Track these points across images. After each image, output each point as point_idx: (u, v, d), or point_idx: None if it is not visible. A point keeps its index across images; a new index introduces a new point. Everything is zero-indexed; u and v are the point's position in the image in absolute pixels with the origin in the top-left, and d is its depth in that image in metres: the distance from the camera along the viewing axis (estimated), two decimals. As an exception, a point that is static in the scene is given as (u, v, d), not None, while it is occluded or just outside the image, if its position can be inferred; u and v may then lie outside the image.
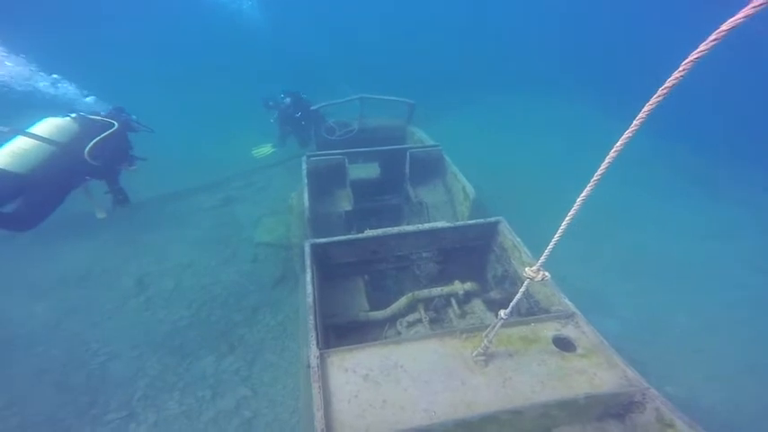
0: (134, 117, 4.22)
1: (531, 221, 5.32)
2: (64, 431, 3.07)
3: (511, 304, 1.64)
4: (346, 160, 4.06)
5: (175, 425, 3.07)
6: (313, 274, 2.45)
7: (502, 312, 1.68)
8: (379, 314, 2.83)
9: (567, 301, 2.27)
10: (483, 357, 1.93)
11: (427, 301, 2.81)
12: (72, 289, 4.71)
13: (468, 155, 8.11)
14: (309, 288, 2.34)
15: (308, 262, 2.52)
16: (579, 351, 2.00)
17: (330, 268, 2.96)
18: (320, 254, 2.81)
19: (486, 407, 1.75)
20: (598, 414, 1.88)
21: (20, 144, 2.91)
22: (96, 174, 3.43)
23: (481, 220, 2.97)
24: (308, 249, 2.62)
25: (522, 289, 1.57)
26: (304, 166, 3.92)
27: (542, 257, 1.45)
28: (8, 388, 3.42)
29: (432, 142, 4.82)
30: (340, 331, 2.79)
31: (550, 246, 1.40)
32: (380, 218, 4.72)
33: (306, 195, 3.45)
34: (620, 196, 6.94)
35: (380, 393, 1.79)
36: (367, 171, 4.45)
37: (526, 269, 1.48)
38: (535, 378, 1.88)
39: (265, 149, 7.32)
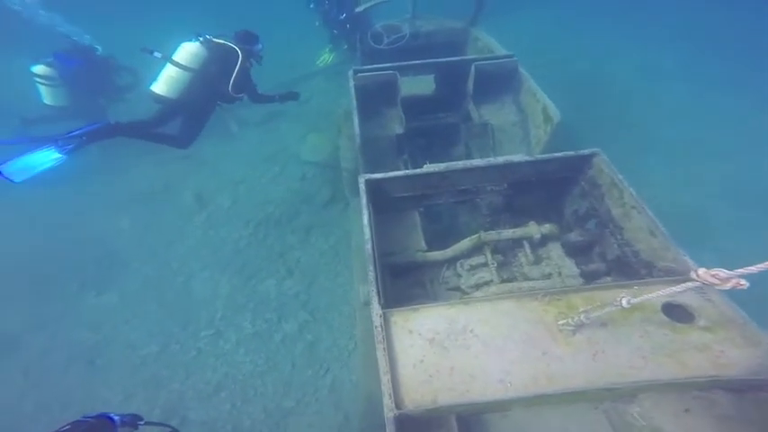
0: (260, 47, 3.80)
1: (627, 158, 4.49)
2: (177, 344, 3.53)
3: (643, 298, 1.25)
4: (398, 76, 3.38)
5: (252, 344, 3.39)
6: (370, 215, 2.18)
7: (624, 301, 1.31)
8: (438, 255, 2.59)
9: (688, 259, 1.81)
10: (571, 327, 1.64)
11: (495, 244, 2.49)
12: (142, 205, 5.04)
13: (541, 59, 6.74)
14: (367, 232, 2.10)
15: (363, 201, 2.24)
16: (701, 323, 1.63)
17: (384, 202, 2.67)
18: (374, 188, 2.49)
19: (572, 381, 1.53)
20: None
21: (169, 72, 3.31)
22: (227, 100, 3.64)
23: (571, 153, 2.38)
24: (362, 186, 2.31)
25: (676, 289, 1.16)
26: (351, 83, 3.34)
27: (751, 269, 0.97)
28: (130, 302, 3.93)
29: (503, 51, 3.83)
30: (396, 269, 2.63)
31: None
32: (433, 138, 4.15)
33: (356, 119, 2.98)
34: (735, 111, 5.54)
35: (448, 359, 1.63)
36: (420, 85, 3.73)
37: (700, 271, 1.05)
38: (636, 352, 1.59)
39: (326, 56, 6.55)
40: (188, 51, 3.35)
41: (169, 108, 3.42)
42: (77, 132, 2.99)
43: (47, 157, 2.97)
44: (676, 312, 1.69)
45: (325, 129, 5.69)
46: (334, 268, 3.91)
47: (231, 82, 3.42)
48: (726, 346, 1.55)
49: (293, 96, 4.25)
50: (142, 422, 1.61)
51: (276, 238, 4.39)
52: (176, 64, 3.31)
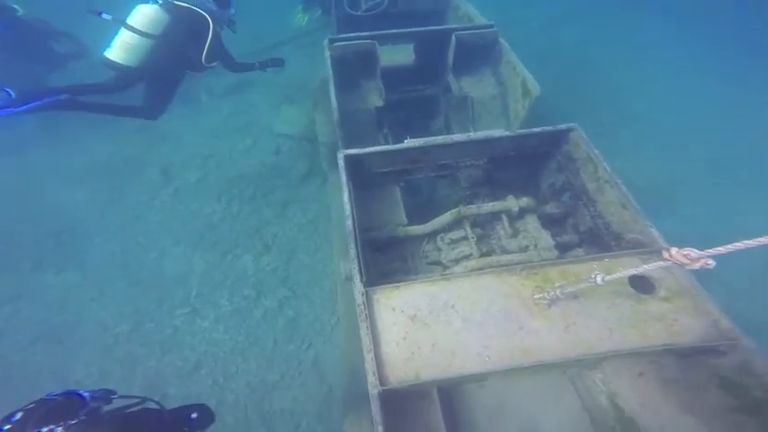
0: (232, 11, 3.41)
1: (605, 131, 4.53)
2: (152, 323, 3.42)
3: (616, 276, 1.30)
4: (377, 45, 3.19)
5: (232, 321, 3.35)
6: (350, 192, 2.12)
7: (599, 278, 1.36)
8: (418, 229, 2.59)
9: (655, 231, 1.90)
10: (546, 301, 1.71)
11: (474, 217, 2.51)
12: (100, 178, 4.70)
13: (522, 29, 6.53)
14: (348, 209, 2.05)
15: (343, 177, 2.17)
16: (661, 293, 1.74)
17: (364, 177, 2.62)
18: (354, 163, 2.42)
19: (545, 354, 1.62)
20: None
21: (125, 38, 2.99)
22: (197, 69, 3.31)
23: (549, 128, 2.38)
24: (342, 162, 2.23)
25: (648, 267, 1.20)
26: (327, 53, 3.13)
27: (719, 249, 1.02)
28: (94, 280, 3.72)
29: (483, 20, 3.68)
30: (376, 244, 2.62)
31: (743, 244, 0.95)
32: (412, 111, 4.04)
33: (332, 92, 2.83)
34: (714, 85, 5.70)
35: (430, 336, 1.67)
36: (399, 55, 3.56)
37: (672, 251, 1.08)
38: (603, 324, 1.68)
39: (300, 16, 6.05)
40: (145, 15, 3.01)
41: (127, 76, 3.11)
42: (22, 108, 2.69)
43: None
44: (641, 283, 1.79)
45: (300, 100, 5.42)
46: (314, 243, 3.86)
47: (204, 52, 3.13)
48: (680, 315, 1.67)
49: (277, 63, 3.92)
50: (115, 395, 1.53)
51: (251, 213, 4.25)
52: (131, 29, 2.98)
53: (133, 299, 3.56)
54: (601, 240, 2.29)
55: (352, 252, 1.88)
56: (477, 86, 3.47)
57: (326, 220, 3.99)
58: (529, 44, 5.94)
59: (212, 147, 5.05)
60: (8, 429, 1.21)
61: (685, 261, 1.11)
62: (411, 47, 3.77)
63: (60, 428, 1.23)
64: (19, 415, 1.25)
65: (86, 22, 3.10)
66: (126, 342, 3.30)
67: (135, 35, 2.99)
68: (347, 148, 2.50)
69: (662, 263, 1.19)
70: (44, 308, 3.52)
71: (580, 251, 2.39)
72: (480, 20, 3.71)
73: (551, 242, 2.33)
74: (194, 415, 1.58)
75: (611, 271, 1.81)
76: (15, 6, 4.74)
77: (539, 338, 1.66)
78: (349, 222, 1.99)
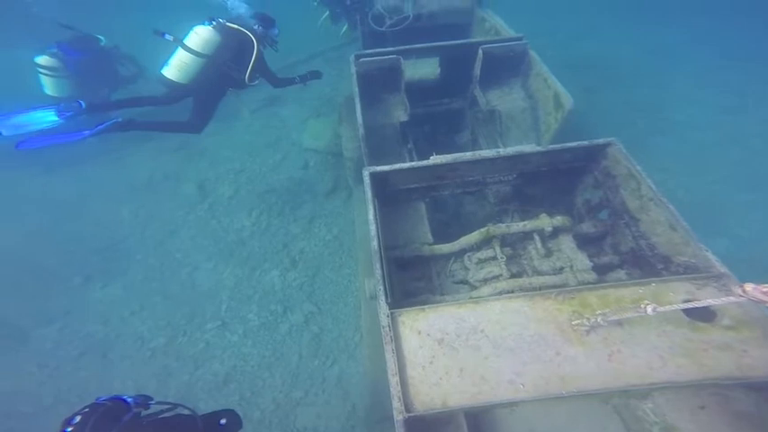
0: (276, 31, 3.70)
1: (639, 142, 4.31)
2: (185, 336, 3.54)
3: (671, 308, 1.19)
4: (401, 61, 3.22)
5: (259, 335, 3.39)
6: (376, 210, 2.11)
7: (650, 308, 1.25)
8: (445, 248, 2.52)
9: (711, 255, 1.73)
10: (586, 327, 1.59)
11: (504, 237, 2.41)
12: (142, 194, 4.99)
13: (549, 39, 6.42)
14: (373, 229, 2.03)
15: (368, 195, 2.16)
16: (724, 322, 1.57)
17: (389, 193, 2.60)
18: (379, 180, 2.41)
19: (587, 383, 1.49)
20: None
21: (181, 57, 3.27)
22: (240, 86, 3.60)
23: (585, 143, 2.26)
24: (367, 179, 2.23)
25: (715, 302, 1.09)
26: (353, 69, 3.19)
27: None
28: (135, 294, 3.93)
29: (511, 32, 3.62)
30: (401, 262, 2.58)
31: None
32: (437, 125, 4.00)
33: (358, 107, 2.86)
34: (750, 91, 5.30)
35: (458, 361, 1.59)
36: (423, 69, 3.57)
37: (747, 287, 0.97)
38: (653, 352, 1.53)
39: (325, 23, 6.19)
40: (201, 36, 3.26)
41: (178, 92, 3.39)
42: (88, 134, 3.00)
43: (43, 118, 2.99)
44: (697, 311, 1.62)
45: (326, 114, 5.56)
46: (339, 259, 3.87)
47: (249, 71, 3.34)
48: (749, 346, 1.49)
49: (316, 75, 4.11)
50: (153, 401, 1.66)
51: (279, 228, 4.35)
52: (188, 49, 3.23)
53: (168, 313, 3.70)
54: (645, 262, 2.12)
55: (378, 273, 1.85)
56: (505, 99, 3.39)
57: (351, 236, 4.01)
58: (555, 55, 5.82)
59: (244, 162, 5.26)
60: (71, 431, 1.35)
61: (766, 299, 0.97)
62: (436, 60, 3.77)
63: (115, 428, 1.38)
64: (78, 418, 1.39)
65: (144, 40, 3.36)
66: (162, 355, 3.42)
67: (190, 55, 3.23)
68: (372, 163, 2.50)
69: (733, 298, 1.07)
70: (91, 322, 3.73)
71: (621, 273, 2.23)
72: (507, 32, 3.65)
73: (588, 263, 2.19)
74: (223, 421, 1.66)
75: (659, 297, 1.69)
76: (100, 37, 5.40)
77: (577, 366, 1.54)
78: (374, 243, 1.96)
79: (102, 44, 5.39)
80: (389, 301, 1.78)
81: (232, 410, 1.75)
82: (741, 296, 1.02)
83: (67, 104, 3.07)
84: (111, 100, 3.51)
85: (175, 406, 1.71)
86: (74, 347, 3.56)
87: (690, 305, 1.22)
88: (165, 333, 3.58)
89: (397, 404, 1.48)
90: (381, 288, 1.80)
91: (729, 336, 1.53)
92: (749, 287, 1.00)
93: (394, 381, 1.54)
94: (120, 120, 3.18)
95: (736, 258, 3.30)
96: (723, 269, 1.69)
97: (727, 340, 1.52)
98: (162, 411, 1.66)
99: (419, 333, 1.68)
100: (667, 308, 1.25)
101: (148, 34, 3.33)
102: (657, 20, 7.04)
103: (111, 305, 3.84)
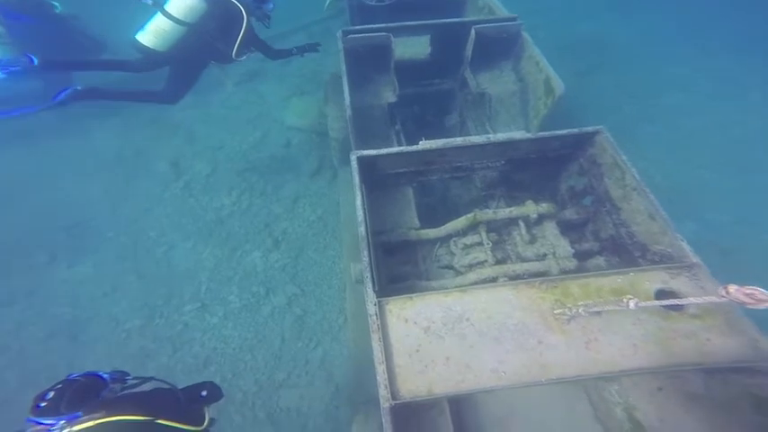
0: (271, 6, 3.38)
1: (626, 128, 4.31)
2: (162, 318, 3.44)
3: (651, 304, 1.21)
4: (392, 39, 3.07)
5: (240, 317, 3.34)
6: (363, 196, 2.06)
7: (632, 303, 1.27)
8: (431, 232, 2.52)
9: (685, 245, 1.79)
10: (566, 316, 1.64)
11: (490, 223, 2.42)
12: (112, 171, 4.71)
13: (542, 19, 6.27)
14: (361, 215, 1.99)
15: (356, 181, 2.10)
16: (691, 310, 1.65)
17: (376, 177, 2.54)
18: (367, 165, 2.34)
19: (565, 370, 1.55)
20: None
21: (159, 23, 3.00)
22: (224, 60, 3.35)
23: (574, 130, 2.25)
24: (355, 163, 2.16)
25: (696, 301, 1.12)
26: (340, 46, 3.03)
27: None
28: (107, 274, 3.75)
29: (504, 12, 3.50)
30: (388, 247, 2.56)
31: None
32: (426, 106, 3.91)
33: (346, 88, 2.73)
34: (738, 79, 5.42)
35: (444, 349, 1.61)
36: (414, 48, 3.42)
37: (731, 288, 0.99)
38: (627, 340, 1.60)
39: None
40: (184, 3, 2.99)
41: (153, 59, 3.13)
42: (41, 107, 2.77)
43: None
44: (668, 298, 1.69)
45: (310, 91, 5.33)
46: (323, 240, 3.82)
47: (236, 45, 3.11)
48: (712, 334, 1.58)
49: (313, 48, 3.89)
50: (130, 377, 1.65)
51: (261, 208, 4.23)
52: (168, 15, 2.96)
53: (144, 294, 3.58)
54: (623, 250, 2.19)
55: (365, 260, 1.82)
56: (495, 82, 3.33)
57: (336, 216, 3.94)
58: (548, 36, 5.74)
59: (222, 139, 5.01)
60: (44, 406, 1.34)
61: (748, 301, 1.00)
62: (426, 38, 3.63)
63: (91, 407, 1.37)
64: (51, 394, 1.38)
65: (112, 8, 3.06)
66: (138, 337, 3.33)
67: (170, 21, 2.98)
68: (359, 146, 2.42)
69: (715, 299, 1.10)
70: (58, 301, 3.56)
71: (601, 260, 2.30)
72: (501, 11, 3.54)
73: (570, 250, 2.24)
74: (204, 392, 1.69)
75: (636, 285, 1.75)
76: (54, 3, 4.87)
77: (557, 354, 1.59)
78: (362, 229, 1.93)
79: (57, 11, 4.86)
80: (377, 289, 1.76)
81: (212, 382, 1.78)
82: (723, 297, 1.05)
83: (15, 58, 2.74)
84: (73, 59, 3.13)
85: (152, 380, 1.71)
86: (39, 329, 3.40)
87: (671, 302, 1.27)
88: (142, 314, 3.48)
89: (383, 392, 1.50)
90: (369, 276, 1.78)
91: (695, 324, 1.61)
92: (732, 288, 1.03)
93: (381, 369, 1.55)
94: (79, 88, 2.91)
95: (703, 241, 3.49)
96: (696, 259, 1.76)
97: (693, 328, 1.60)
98: (140, 386, 1.65)
99: (406, 321, 1.69)
100: (648, 303, 1.29)
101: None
102: (653, 2, 7.01)
103: (79, 285, 3.67)
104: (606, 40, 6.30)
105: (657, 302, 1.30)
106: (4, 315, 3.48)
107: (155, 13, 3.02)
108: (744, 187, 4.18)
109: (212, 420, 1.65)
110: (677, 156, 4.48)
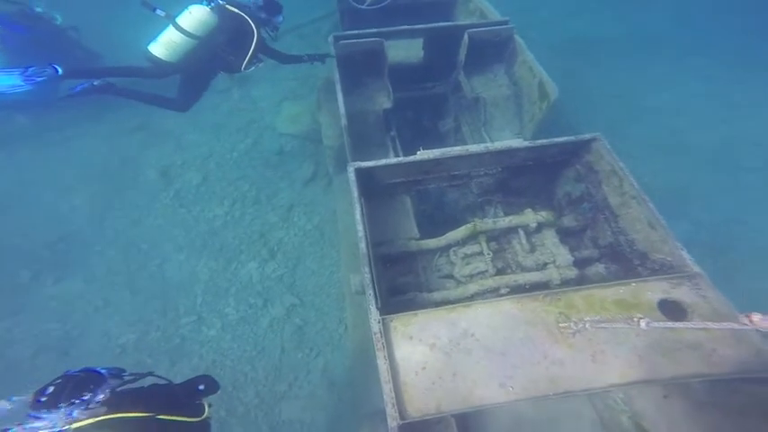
0: (280, 19, 3.36)
1: (613, 128, 4.33)
2: (158, 331, 3.37)
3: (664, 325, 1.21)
4: (384, 44, 3.05)
5: (239, 329, 3.29)
6: (362, 210, 2.03)
7: (643, 323, 1.28)
8: (431, 243, 2.51)
9: (686, 254, 1.81)
10: (571, 330, 1.64)
11: (489, 232, 2.42)
12: (97, 181, 4.58)
13: (532, 17, 6.29)
14: (361, 229, 1.96)
15: (354, 194, 2.07)
16: (695, 320, 1.66)
17: (374, 187, 2.52)
18: (364, 175, 2.32)
19: (572, 383, 1.55)
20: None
21: (171, 36, 3.04)
22: (232, 71, 3.42)
23: (571, 138, 2.27)
24: (352, 176, 2.13)
25: (714, 326, 1.11)
26: (332, 51, 2.99)
27: None
28: (98, 289, 3.65)
29: (496, 15, 3.50)
30: (388, 258, 2.54)
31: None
32: (420, 110, 3.89)
33: (340, 96, 2.70)
34: (721, 80, 5.52)
35: (450, 365, 1.60)
36: (407, 52, 3.40)
37: (755, 317, 0.99)
38: (632, 352, 1.61)
39: None
40: (195, 17, 3.01)
41: (164, 69, 3.17)
42: (67, 96, 2.90)
43: (5, 81, 2.75)
44: (671, 308, 1.71)
45: (303, 96, 5.26)
46: (320, 249, 3.79)
47: (246, 59, 3.16)
48: (718, 345, 1.59)
49: (322, 59, 3.84)
50: (126, 373, 1.67)
51: (255, 217, 4.16)
52: (180, 29, 2.99)
53: (137, 307, 3.50)
54: (623, 258, 2.21)
55: (367, 277, 1.80)
56: (489, 86, 3.33)
57: (332, 225, 3.91)
58: (538, 36, 5.75)
59: (212, 146, 4.92)
60: (45, 401, 1.36)
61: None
62: (419, 42, 3.61)
63: (92, 398, 1.40)
64: (51, 389, 1.40)
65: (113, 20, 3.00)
66: (134, 351, 3.26)
67: (181, 35, 3.01)
68: (355, 155, 2.40)
69: (737, 326, 1.09)
70: (46, 319, 3.46)
71: (600, 267, 2.31)
72: (493, 14, 3.53)
73: (570, 258, 2.25)
74: (201, 386, 1.76)
75: (638, 296, 1.76)
76: (56, 15, 4.93)
77: (564, 367, 1.59)
78: (363, 245, 1.90)
79: (58, 23, 4.91)
80: (380, 306, 1.74)
81: (208, 375, 1.84)
82: (745, 325, 1.05)
83: (39, 69, 2.74)
84: (95, 67, 3.17)
85: (149, 375, 1.73)
86: (27, 346, 3.30)
87: (684, 325, 1.27)
88: (136, 328, 3.40)
89: (391, 410, 1.48)
90: (372, 293, 1.76)
91: (700, 335, 1.63)
92: (756, 317, 1.03)
93: (387, 388, 1.53)
94: (96, 83, 2.95)
95: (696, 242, 3.53)
96: (697, 269, 1.77)
97: (698, 339, 1.62)
98: (137, 382, 1.68)
99: (411, 338, 1.67)
100: (660, 324, 1.29)
101: (135, 5, 2.99)
102: (643, 1, 7.09)
103: (68, 301, 3.57)
104: (595, 39, 6.36)
105: (670, 324, 1.30)
106: (-10, 333, 3.37)
107: (167, 25, 3.05)
108: (732, 186, 4.27)
109: (211, 409, 1.73)
110: (662, 155, 4.54)
